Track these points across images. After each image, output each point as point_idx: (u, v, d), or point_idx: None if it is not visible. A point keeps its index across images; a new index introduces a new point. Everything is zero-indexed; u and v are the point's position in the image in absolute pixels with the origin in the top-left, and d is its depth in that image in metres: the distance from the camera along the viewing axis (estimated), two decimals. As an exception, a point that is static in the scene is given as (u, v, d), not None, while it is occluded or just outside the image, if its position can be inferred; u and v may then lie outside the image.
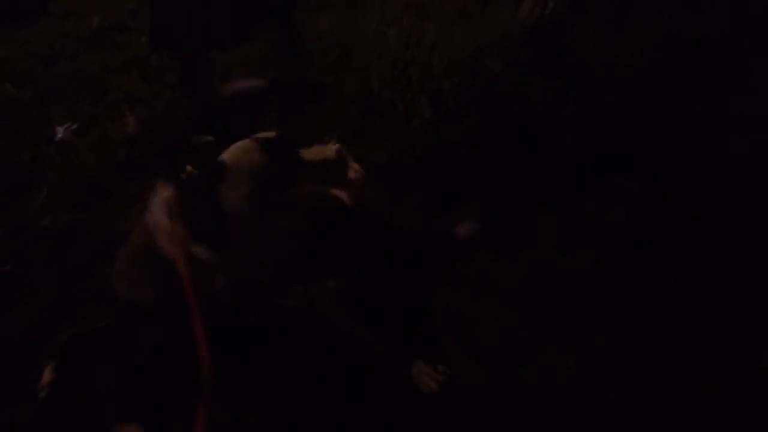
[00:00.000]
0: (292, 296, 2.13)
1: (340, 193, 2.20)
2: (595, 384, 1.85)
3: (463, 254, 2.20)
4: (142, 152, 3.07)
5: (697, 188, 2.22)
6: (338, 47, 3.30)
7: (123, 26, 3.93)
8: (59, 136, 3.33)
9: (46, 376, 2.20)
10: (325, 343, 2.07)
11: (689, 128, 2.40)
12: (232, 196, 2.26)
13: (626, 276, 2.06)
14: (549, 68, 2.73)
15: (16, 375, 2.23)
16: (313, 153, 2.54)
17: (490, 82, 2.78)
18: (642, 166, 2.32)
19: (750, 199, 2.19)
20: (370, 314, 2.03)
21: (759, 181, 2.23)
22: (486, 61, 2.89)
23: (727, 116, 2.44)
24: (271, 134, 2.47)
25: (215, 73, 3.38)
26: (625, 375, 1.84)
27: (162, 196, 2.54)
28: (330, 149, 2.59)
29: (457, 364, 1.96)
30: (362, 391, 2.00)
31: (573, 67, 2.71)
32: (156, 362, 2.16)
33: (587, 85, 2.61)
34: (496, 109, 2.68)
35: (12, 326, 2.41)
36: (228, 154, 2.40)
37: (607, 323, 1.96)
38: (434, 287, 2.17)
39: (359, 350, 2.02)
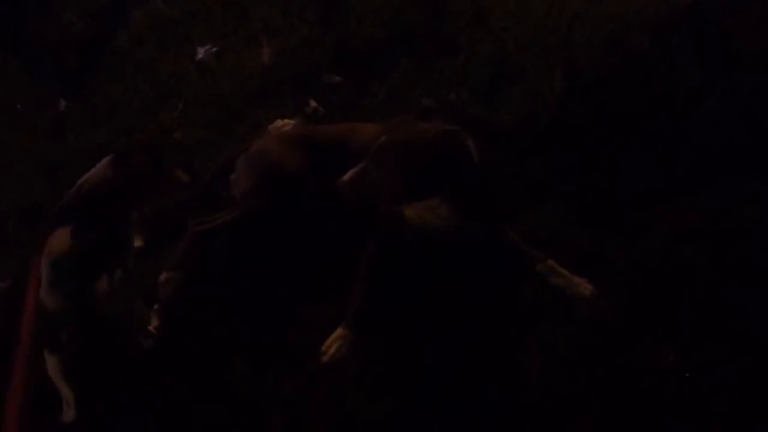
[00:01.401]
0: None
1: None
2: (696, 383, 1.80)
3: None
4: (274, 82, 3.19)
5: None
6: (477, 7, 3.25)
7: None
8: (199, 56, 3.50)
9: (155, 321, 2.39)
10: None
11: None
12: None
13: (745, 279, 1.96)
14: (698, 55, 2.59)
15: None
16: None
17: (631, 60, 2.67)
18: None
19: None
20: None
21: None
22: (630, 38, 2.77)
23: None
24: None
25: (352, 15, 3.42)
26: (732, 378, 1.77)
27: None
28: None
29: (554, 336, 1.96)
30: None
31: (726, 59, 2.55)
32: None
33: (738, 79, 2.46)
34: (633, 89, 2.58)
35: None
36: None
37: (719, 324, 1.89)
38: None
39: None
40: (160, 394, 2.26)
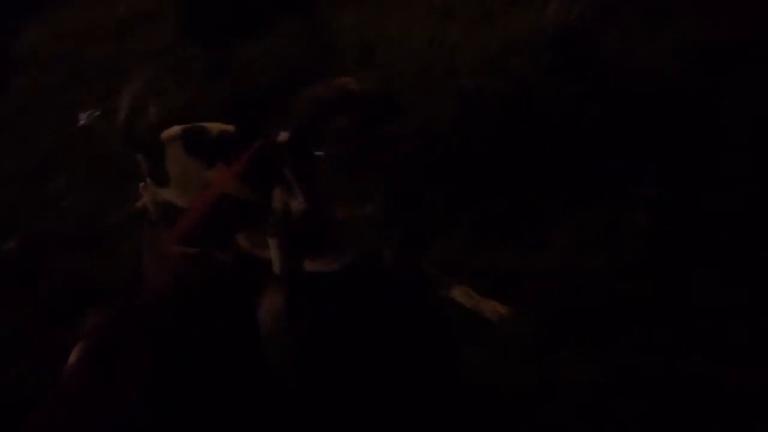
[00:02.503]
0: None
1: None
2: (612, 389, 1.83)
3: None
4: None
5: (723, 197, 2.18)
6: (361, 45, 3.31)
7: (150, 15, 3.96)
8: (82, 122, 3.39)
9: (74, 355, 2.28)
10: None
11: (718, 137, 2.37)
12: None
13: (646, 281, 2.04)
14: (574, 71, 2.72)
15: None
16: None
17: (513, 83, 2.77)
18: (667, 174, 2.30)
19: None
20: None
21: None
22: (510, 62, 2.88)
23: (760, 126, 2.39)
24: None
25: (238, 65, 3.40)
26: (645, 381, 1.82)
27: None
28: None
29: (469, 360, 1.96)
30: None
31: (599, 72, 2.68)
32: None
33: (613, 90, 2.59)
34: (519, 110, 2.67)
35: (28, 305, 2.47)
36: None
37: (626, 328, 1.94)
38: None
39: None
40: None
